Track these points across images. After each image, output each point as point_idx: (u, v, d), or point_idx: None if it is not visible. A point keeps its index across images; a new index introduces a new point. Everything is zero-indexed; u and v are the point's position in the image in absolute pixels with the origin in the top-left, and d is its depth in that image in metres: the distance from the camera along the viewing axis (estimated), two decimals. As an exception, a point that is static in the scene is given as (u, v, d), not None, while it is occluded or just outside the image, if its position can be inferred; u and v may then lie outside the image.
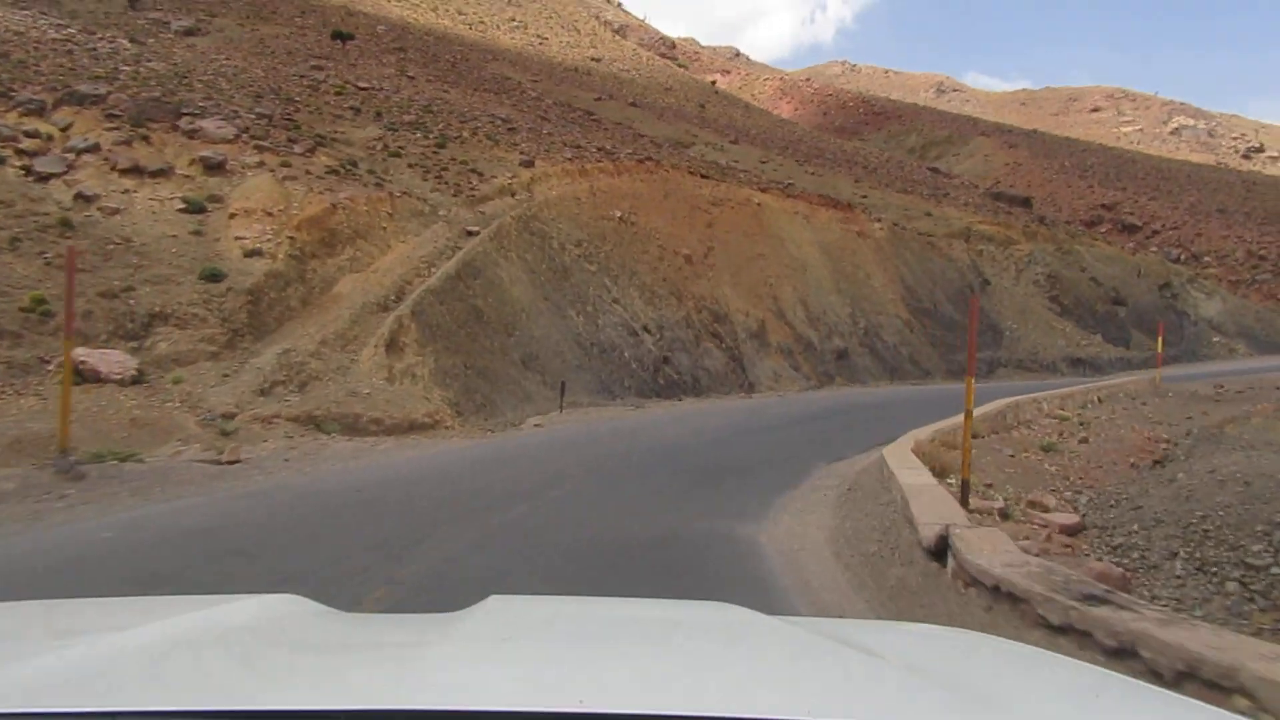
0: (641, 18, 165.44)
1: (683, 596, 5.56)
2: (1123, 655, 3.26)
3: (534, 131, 43.47)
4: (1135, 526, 7.40)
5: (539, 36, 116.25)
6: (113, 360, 14.51)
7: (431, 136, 34.93)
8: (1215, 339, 54.40)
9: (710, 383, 29.51)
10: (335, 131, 32.12)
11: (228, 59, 42.37)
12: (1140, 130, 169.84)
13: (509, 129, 41.59)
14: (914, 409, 22.91)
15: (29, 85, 24.27)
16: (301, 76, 43.01)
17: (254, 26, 58.98)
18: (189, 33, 49.49)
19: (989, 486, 8.36)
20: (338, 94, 40.53)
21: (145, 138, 22.85)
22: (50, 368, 14.13)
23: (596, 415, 21.28)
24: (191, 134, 23.94)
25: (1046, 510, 7.35)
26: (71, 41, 34.34)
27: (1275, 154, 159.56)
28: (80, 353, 13.66)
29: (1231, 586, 6.32)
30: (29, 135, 20.98)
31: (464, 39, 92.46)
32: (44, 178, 19.55)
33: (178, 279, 17.00)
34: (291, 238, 19.30)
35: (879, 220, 48.65)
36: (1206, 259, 71.08)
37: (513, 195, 29.21)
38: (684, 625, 2.23)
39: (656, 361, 27.82)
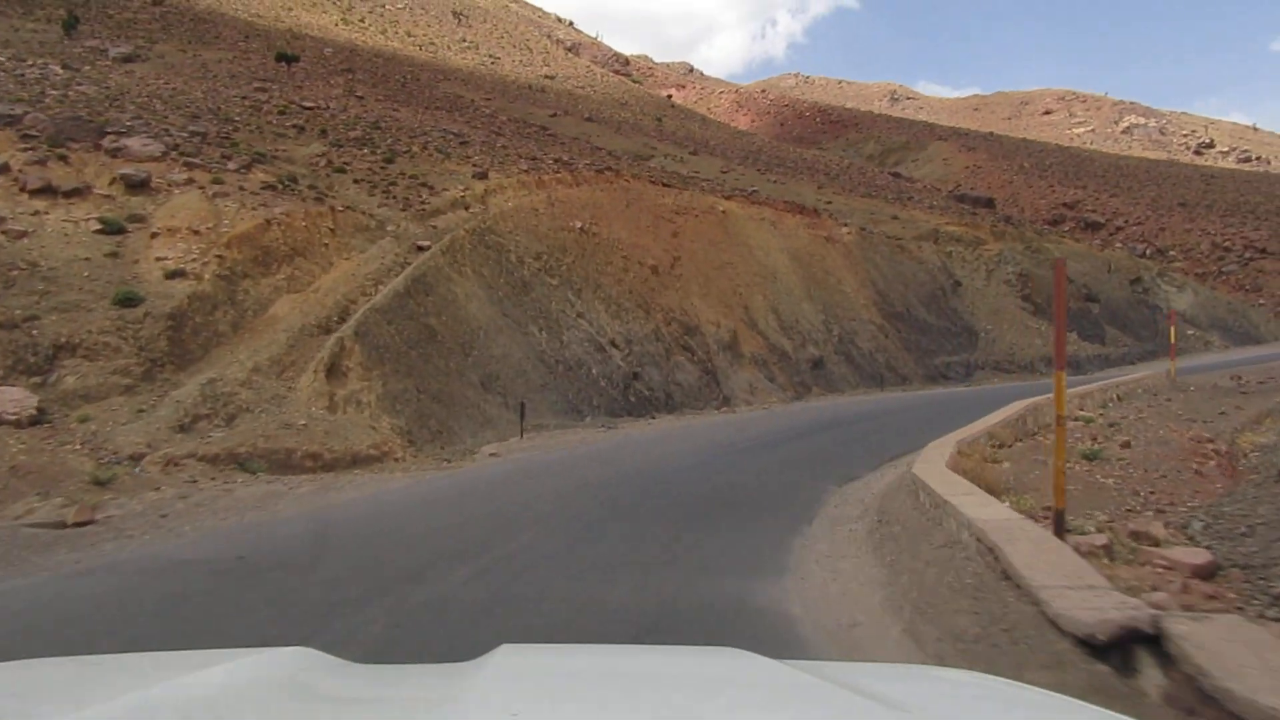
0: (594, 36, 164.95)
1: None
2: None
3: (488, 145, 41.89)
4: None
5: (491, 56, 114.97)
6: (7, 398, 12.64)
7: (379, 152, 33.26)
8: (1189, 332, 53.75)
9: (684, 398, 27.95)
10: (276, 150, 30.36)
11: (166, 83, 40.47)
12: (1092, 131, 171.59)
13: (461, 143, 39.98)
14: (909, 419, 21.46)
15: (-68, 106, 22.33)
16: (244, 98, 41.18)
17: (196, 52, 57.08)
18: (128, 59, 47.51)
19: (1048, 510, 6.83)
20: (280, 113, 38.78)
21: (63, 157, 21.01)
22: (-67, 411, 12.25)
23: (562, 439, 19.39)
24: (115, 153, 22.12)
25: (1156, 543, 5.66)
26: (-1, 68, 32.40)
27: (1225, 149, 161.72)
28: (-33, 392, 11.82)
29: None
30: (-73, 157, 19.07)
31: (414, 60, 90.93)
32: (-59, 202, 17.65)
33: (89, 305, 15.14)
34: (220, 256, 17.49)
35: (846, 225, 47.52)
36: (1172, 253, 70.85)
37: (466, 208, 27.56)
38: (700, 678, 2.19)
39: (626, 378, 26.23)
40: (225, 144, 27.90)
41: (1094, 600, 3.66)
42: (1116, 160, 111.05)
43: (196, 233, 17.92)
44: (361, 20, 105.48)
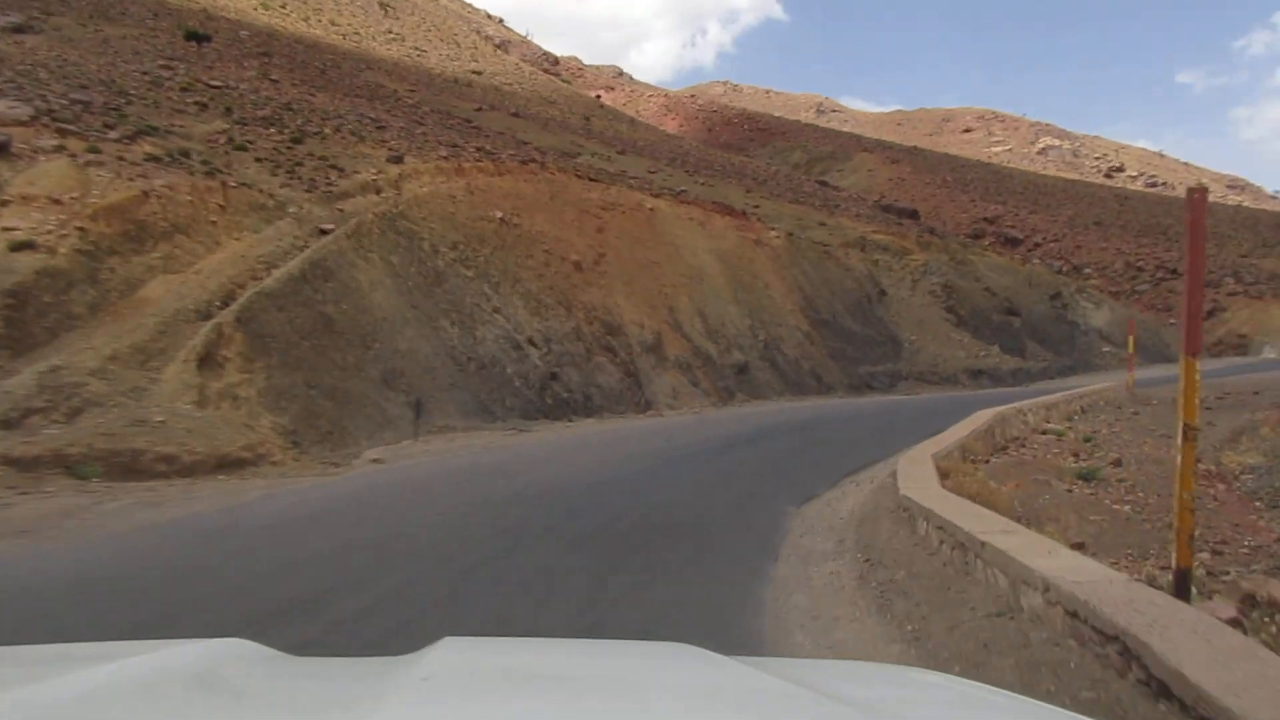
0: (524, 34, 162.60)
1: None
2: None
3: (406, 131, 39.87)
4: None
5: (417, 49, 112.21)
6: None
7: (287, 132, 31.09)
8: (1105, 348, 54.32)
9: (604, 401, 26.49)
10: (172, 125, 28.02)
11: (59, 55, 37.51)
12: (1010, 150, 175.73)
13: (378, 127, 37.93)
14: (853, 429, 20.09)
15: None
16: (144, 73, 38.40)
17: (98, 27, 53.59)
18: (18, 29, 44.02)
19: (1079, 547, 5.49)
20: (183, 90, 36.18)
21: (-91, 117, 18.65)
22: None
23: (465, 443, 17.42)
24: (-27, 115, 19.77)
25: (1288, 608, 4.21)
26: None
27: (1135, 174, 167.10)
28: None
29: None
30: None
31: (337, 48, 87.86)
32: None
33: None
34: (82, 229, 15.41)
35: (774, 229, 46.66)
36: (1087, 270, 71.98)
37: (378, 192, 25.68)
38: (649, 675, 2.06)
39: (543, 378, 24.66)
40: (112, 114, 25.51)
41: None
42: (1035, 178, 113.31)
43: (58, 202, 15.82)
44: (283, 6, 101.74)
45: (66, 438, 10.85)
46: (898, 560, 5.91)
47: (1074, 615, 3.63)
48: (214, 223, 18.63)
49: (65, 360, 12.65)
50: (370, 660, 2.25)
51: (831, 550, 7.37)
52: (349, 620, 5.74)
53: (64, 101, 24.56)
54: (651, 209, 38.38)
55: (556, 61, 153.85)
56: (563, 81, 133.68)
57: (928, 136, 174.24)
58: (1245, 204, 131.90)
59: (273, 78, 51.46)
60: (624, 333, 29.90)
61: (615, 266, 32.63)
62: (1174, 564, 4.30)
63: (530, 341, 25.22)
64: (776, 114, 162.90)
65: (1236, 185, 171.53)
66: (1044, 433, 12.62)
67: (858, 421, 21.97)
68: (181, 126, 28.24)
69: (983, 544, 4.73)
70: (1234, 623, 3.80)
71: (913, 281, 50.09)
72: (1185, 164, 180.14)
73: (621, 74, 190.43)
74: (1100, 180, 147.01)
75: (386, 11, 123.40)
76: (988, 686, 2.20)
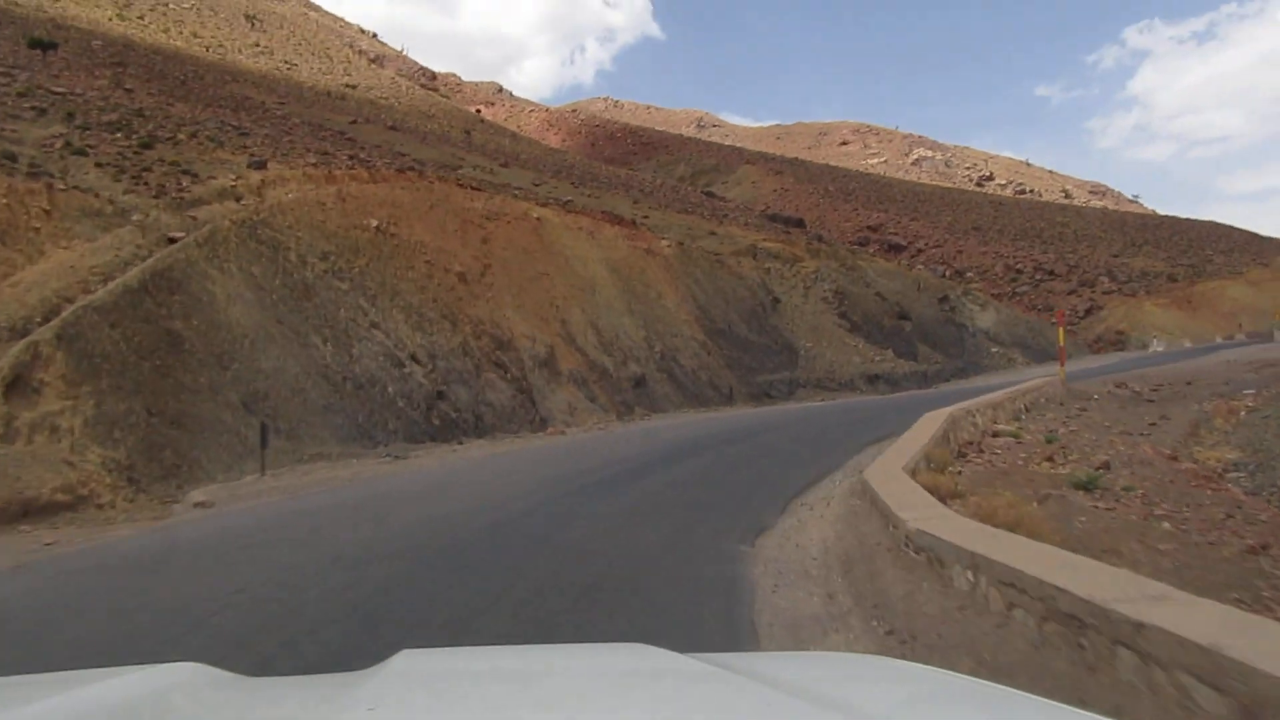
0: (399, 49, 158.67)
1: None
2: None
3: (273, 139, 37.23)
4: None
5: (287, 62, 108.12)
6: None
7: (136, 137, 28.34)
8: (993, 349, 55.10)
9: (496, 419, 24.66)
10: (2, 129, 25.13)
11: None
12: (885, 161, 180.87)
13: (240, 133, 35.21)
14: (773, 442, 17.88)
15: None
16: (-22, 79, 35.02)
17: (-71, 32, 49.31)
18: None
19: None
20: (20, 95, 32.94)
21: None
22: None
23: (328, 475, 14.74)
24: None
25: None
26: None
27: (1004, 182, 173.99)
28: None
29: None
30: None
31: (200, 60, 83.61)
32: None
33: None
34: None
35: (665, 239, 45.58)
36: (969, 274, 73.51)
37: (237, 199, 23.31)
38: (608, 675, 2.04)
39: (429, 397, 22.70)
40: (-74, 115, 22.58)
41: None
42: (913, 187, 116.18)
43: None
44: (140, 17, 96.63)
45: None
46: (942, 635, 4.16)
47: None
48: (37, 229, 16.15)
49: None
50: (324, 678, 2.14)
51: (824, 613, 5.47)
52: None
53: None
54: (539, 219, 36.72)
55: (434, 77, 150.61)
56: (441, 96, 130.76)
57: (807, 149, 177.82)
58: (1109, 207, 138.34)
59: (126, 86, 47.92)
60: (515, 347, 28.14)
61: (503, 278, 30.85)
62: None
63: (413, 358, 23.24)
64: (659, 129, 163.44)
65: (1098, 191, 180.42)
66: (996, 435, 11.43)
67: (776, 432, 20.10)
68: (14, 131, 25.37)
69: (1139, 625, 3.02)
70: None
71: (805, 288, 49.73)
72: (1050, 171, 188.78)
73: (502, 90, 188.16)
74: (972, 188, 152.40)
75: (253, 25, 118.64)
76: (951, 673, 2.08)
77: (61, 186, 18.08)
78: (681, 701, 1.70)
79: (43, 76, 42.29)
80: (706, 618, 5.73)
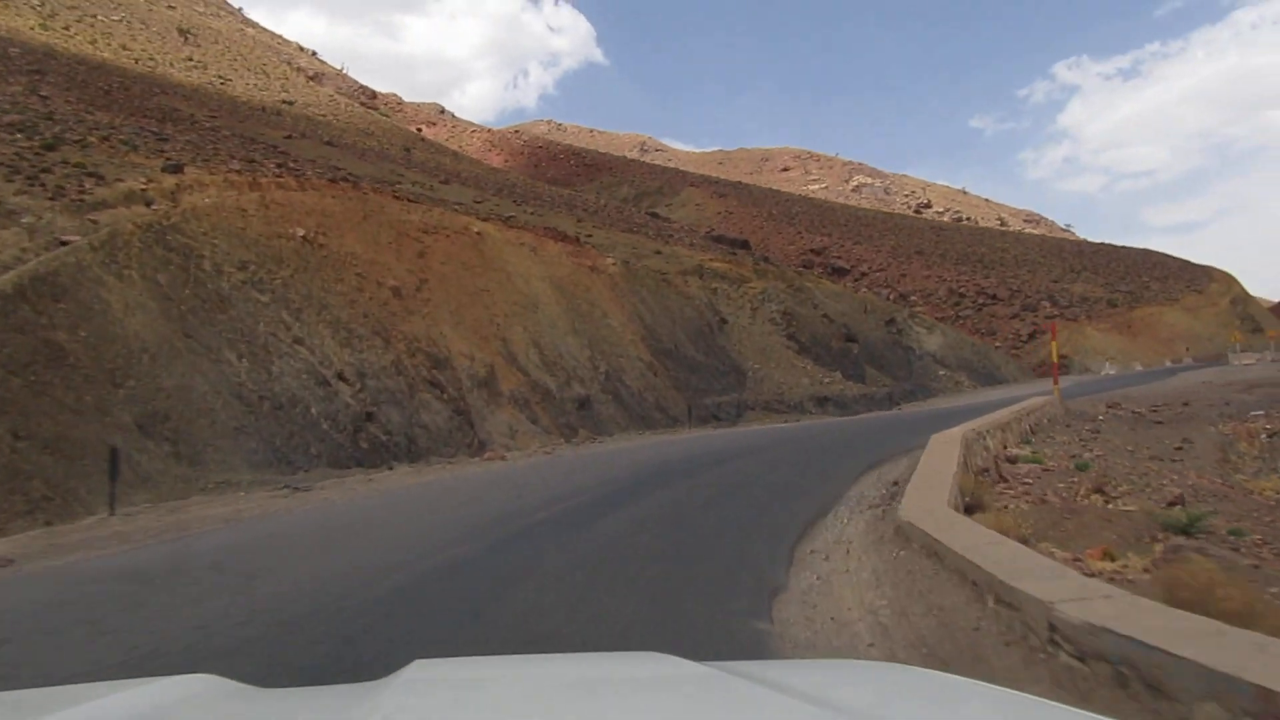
0: (339, 68, 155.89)
1: None
2: None
3: (195, 145, 35.13)
4: None
5: (220, 77, 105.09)
6: None
7: (39, 139, 26.21)
8: (940, 372, 54.63)
9: (430, 443, 22.92)
10: (-117, 127, 22.94)
11: None
12: (826, 188, 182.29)
13: (159, 139, 33.09)
14: (743, 470, 14.82)
15: None
16: None
17: None
18: None
19: None
20: (-86, 95, 30.60)
21: None
22: None
23: (200, 515, 11.78)
24: None
25: None
26: None
27: (941, 209, 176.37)
28: None
29: None
30: None
31: (127, 72, 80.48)
32: None
33: None
34: None
35: (610, 257, 44.21)
36: (913, 298, 73.38)
37: (147, 204, 21.36)
38: (622, 683, 2.04)
39: (357, 419, 20.92)
40: None
41: None
42: (856, 212, 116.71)
43: None
44: (66, 28, 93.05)
45: None
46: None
47: None
48: (-100, 228, 14.18)
49: None
50: (338, 688, 2.23)
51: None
52: None
53: None
54: (479, 233, 35.10)
55: (375, 95, 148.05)
56: (382, 115, 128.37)
57: (749, 174, 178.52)
58: (1045, 234, 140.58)
59: (42, 94, 45.36)
60: (452, 366, 26.44)
61: (440, 293, 29.16)
62: None
63: (340, 377, 21.45)
64: (602, 151, 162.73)
65: (1032, 219, 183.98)
66: (1013, 460, 9.99)
67: (746, 459, 16.96)
68: (-103, 130, 23.17)
69: None
70: None
71: (752, 309, 48.70)
72: (986, 200, 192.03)
73: (444, 111, 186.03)
74: (911, 214, 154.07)
75: (186, 39, 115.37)
76: (962, 677, 2.03)
77: (-65, 181, 16.11)
78: (695, 708, 1.69)
79: (-51, 82, 39.79)
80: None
